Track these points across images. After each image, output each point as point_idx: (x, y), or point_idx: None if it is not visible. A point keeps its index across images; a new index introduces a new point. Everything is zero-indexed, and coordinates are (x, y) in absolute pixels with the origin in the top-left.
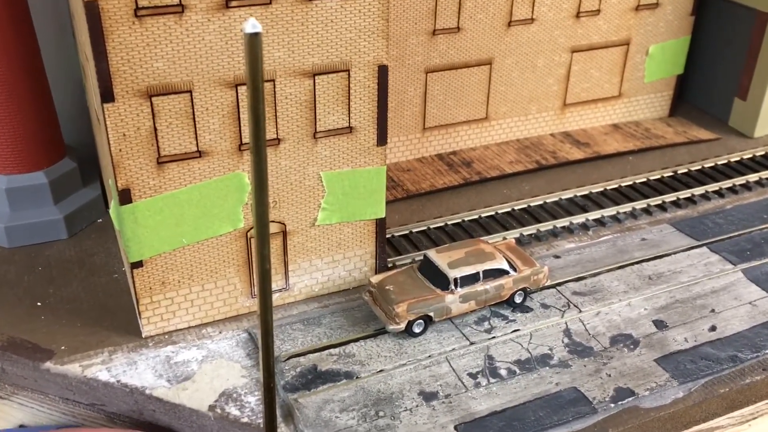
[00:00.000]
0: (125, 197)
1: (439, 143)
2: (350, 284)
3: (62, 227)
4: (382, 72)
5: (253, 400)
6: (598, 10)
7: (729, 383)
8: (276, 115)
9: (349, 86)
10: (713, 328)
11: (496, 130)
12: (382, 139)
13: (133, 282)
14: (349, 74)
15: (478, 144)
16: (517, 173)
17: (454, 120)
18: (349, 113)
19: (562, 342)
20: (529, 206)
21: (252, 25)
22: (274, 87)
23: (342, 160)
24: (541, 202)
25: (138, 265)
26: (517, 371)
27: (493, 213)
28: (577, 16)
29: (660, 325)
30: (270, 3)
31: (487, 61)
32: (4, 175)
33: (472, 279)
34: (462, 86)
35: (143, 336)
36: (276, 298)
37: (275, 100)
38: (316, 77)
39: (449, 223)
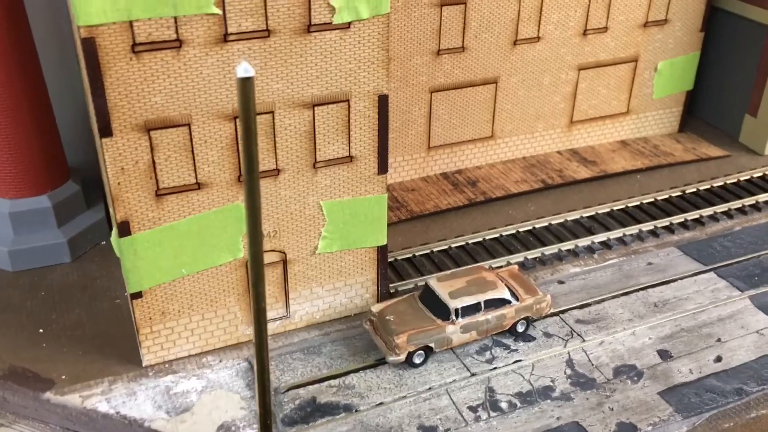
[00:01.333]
0: (124, 230)
1: (444, 162)
2: (352, 311)
3: (66, 251)
4: (383, 101)
5: None
6: (606, 28)
7: (734, 417)
8: (275, 146)
9: (349, 116)
10: (719, 359)
11: (501, 149)
12: (383, 167)
13: (133, 312)
14: (349, 104)
15: (483, 162)
16: (522, 193)
17: (460, 139)
18: (349, 143)
19: (565, 373)
20: (534, 228)
21: (244, 70)
22: (273, 118)
23: (342, 189)
24: (546, 224)
25: (137, 295)
26: (518, 404)
27: (497, 235)
28: (584, 33)
29: (665, 355)
30: (268, 36)
31: (492, 79)
32: (7, 199)
33: (474, 309)
34: (467, 105)
35: (143, 365)
36: (277, 326)
37: (274, 131)
38: (316, 108)
39: (453, 246)
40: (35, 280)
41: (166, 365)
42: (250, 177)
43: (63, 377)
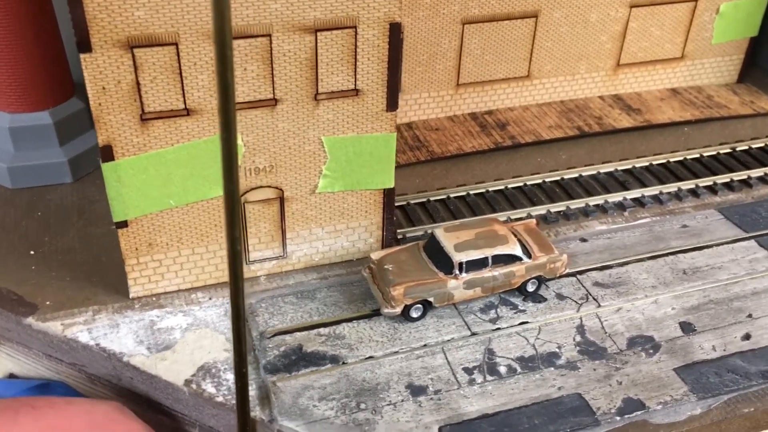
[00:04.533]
0: (107, 154)
1: (474, 101)
2: (353, 255)
3: (67, 170)
4: (394, 30)
5: (232, 378)
6: None
7: (755, 402)
8: (273, 74)
9: (355, 45)
10: (747, 337)
11: (538, 90)
12: (392, 104)
13: (120, 242)
14: (356, 31)
15: (516, 104)
16: (555, 140)
17: (492, 77)
18: (355, 74)
19: (574, 340)
20: (562, 179)
21: None
22: (271, 42)
23: (346, 125)
24: (576, 175)
25: (123, 225)
26: (518, 369)
27: (521, 184)
28: None
29: (687, 328)
30: None
31: (532, 13)
32: (8, 113)
33: (480, 264)
34: (503, 40)
35: (130, 296)
36: (272, 266)
37: (271, 56)
38: (319, 33)
39: (471, 192)
40: (33, 199)
41: (153, 298)
42: (225, 110)
43: (47, 303)
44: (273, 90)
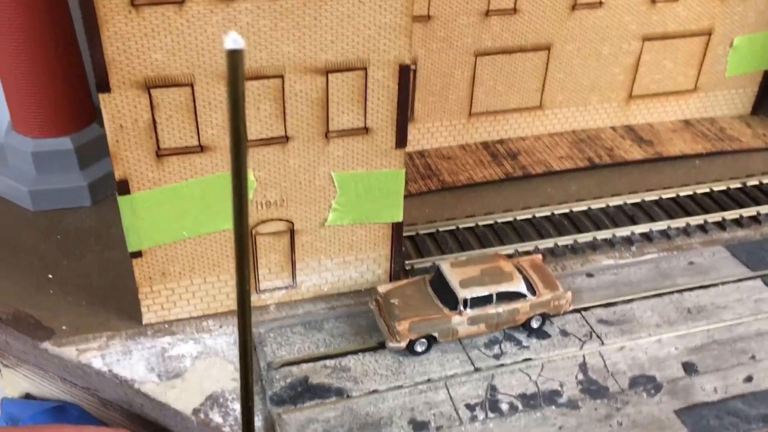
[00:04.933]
0: (123, 188)
1: (486, 130)
2: (362, 286)
3: (86, 194)
4: (404, 72)
5: (239, 408)
6: None
7: None
8: (285, 113)
9: (366, 85)
10: (749, 379)
11: (550, 120)
12: (401, 141)
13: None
14: (366, 73)
15: (529, 134)
16: (565, 171)
17: (505, 107)
18: (365, 113)
19: (576, 378)
20: (570, 211)
21: (233, 41)
22: (283, 83)
23: (356, 162)
24: (585, 208)
25: (137, 254)
26: (520, 407)
27: (529, 216)
28: (653, 1)
29: (689, 368)
30: None
31: (545, 46)
32: (31, 138)
33: (484, 301)
34: (515, 71)
35: (143, 323)
36: (282, 295)
37: (284, 96)
38: (330, 75)
39: (480, 224)
40: (53, 221)
41: (166, 325)
42: (237, 156)
43: (63, 327)
44: (285, 128)
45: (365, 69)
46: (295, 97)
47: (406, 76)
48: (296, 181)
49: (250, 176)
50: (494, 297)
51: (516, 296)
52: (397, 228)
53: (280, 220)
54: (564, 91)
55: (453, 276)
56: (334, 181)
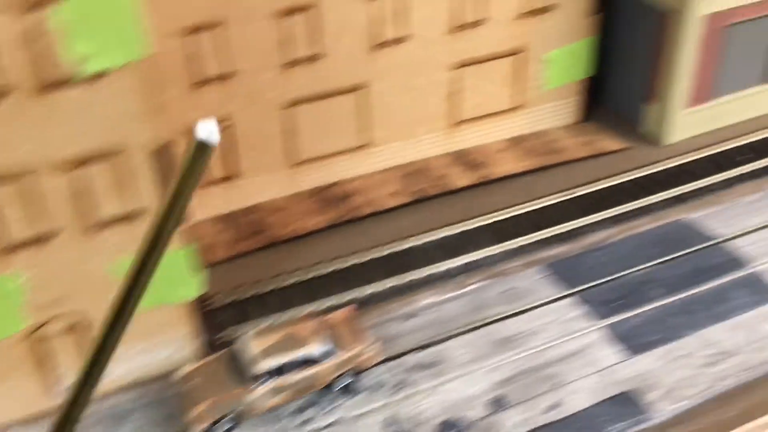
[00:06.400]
0: None
1: (317, 176)
2: (172, 366)
3: None
4: (162, 152)
5: None
6: (482, 20)
7: None
8: (45, 209)
9: (128, 170)
10: (554, 406)
11: (378, 157)
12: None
13: None
14: (121, 159)
15: (360, 173)
16: (395, 208)
17: (329, 151)
18: (133, 196)
19: None
20: (392, 252)
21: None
22: (34, 181)
23: (134, 246)
24: (412, 244)
25: None
26: None
27: (355, 262)
28: (458, 29)
29: (497, 404)
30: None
31: (358, 86)
32: None
33: (282, 370)
34: (333, 115)
35: None
36: None
37: (39, 194)
38: (81, 167)
39: (308, 276)
40: None
41: None
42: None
43: None
44: (47, 225)
45: (122, 154)
46: (53, 192)
47: (166, 155)
48: (74, 277)
49: (11, 285)
50: (292, 365)
51: (315, 361)
52: (196, 304)
53: (65, 315)
54: (386, 128)
55: (254, 347)
56: (114, 269)
